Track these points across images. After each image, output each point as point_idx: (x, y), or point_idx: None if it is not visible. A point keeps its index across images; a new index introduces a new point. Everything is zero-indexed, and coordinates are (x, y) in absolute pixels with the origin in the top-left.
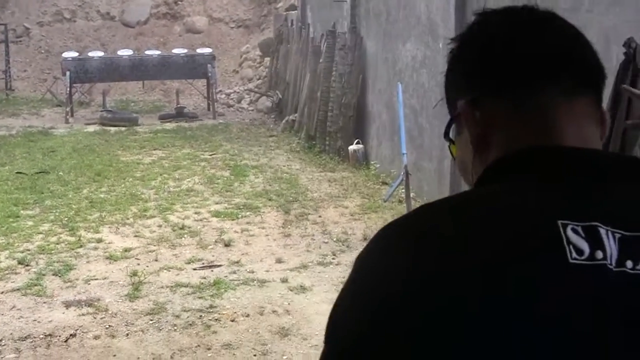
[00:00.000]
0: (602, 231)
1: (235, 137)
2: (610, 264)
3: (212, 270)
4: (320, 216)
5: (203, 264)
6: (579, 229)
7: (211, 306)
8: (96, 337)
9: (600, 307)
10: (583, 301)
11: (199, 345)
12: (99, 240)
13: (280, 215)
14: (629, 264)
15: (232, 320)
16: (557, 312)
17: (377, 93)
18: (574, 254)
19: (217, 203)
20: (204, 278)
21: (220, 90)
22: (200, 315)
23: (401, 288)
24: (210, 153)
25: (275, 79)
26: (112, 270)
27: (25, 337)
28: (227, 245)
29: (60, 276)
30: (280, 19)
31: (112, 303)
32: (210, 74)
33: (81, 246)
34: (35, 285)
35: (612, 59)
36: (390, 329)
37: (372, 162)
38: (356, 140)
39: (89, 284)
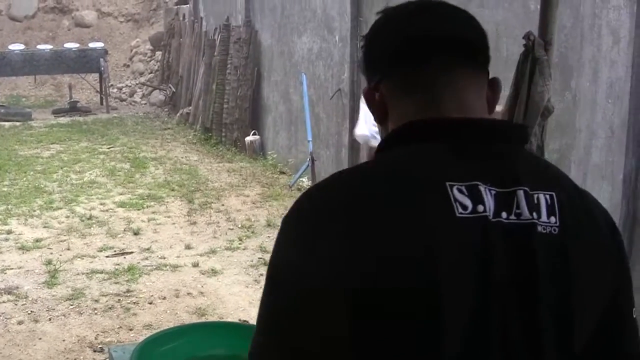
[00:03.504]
0: (482, 189)
1: (131, 130)
2: (489, 215)
3: (124, 257)
4: (223, 205)
5: (115, 251)
6: (463, 188)
7: (128, 290)
8: (20, 323)
9: (482, 249)
10: (469, 245)
11: (121, 327)
12: (9, 232)
13: (184, 205)
14: (504, 214)
15: (150, 303)
16: (448, 255)
17: (272, 85)
18: (460, 209)
19: (120, 194)
20: (118, 264)
21: (112, 85)
22: (119, 299)
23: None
24: (108, 146)
25: (167, 72)
26: (27, 260)
27: None
28: (136, 233)
29: None
30: (171, 12)
31: (31, 290)
32: (102, 68)
33: None
34: None
35: (502, 51)
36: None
37: (269, 152)
38: (253, 132)
39: (6, 273)
